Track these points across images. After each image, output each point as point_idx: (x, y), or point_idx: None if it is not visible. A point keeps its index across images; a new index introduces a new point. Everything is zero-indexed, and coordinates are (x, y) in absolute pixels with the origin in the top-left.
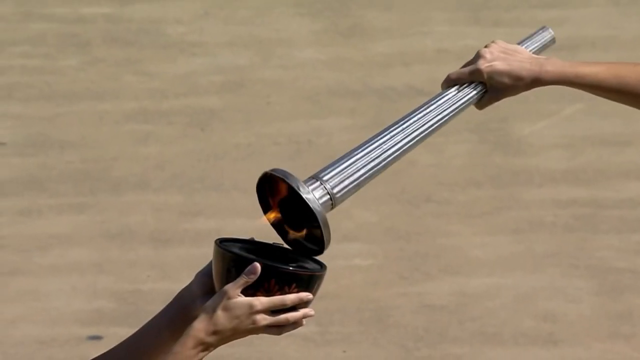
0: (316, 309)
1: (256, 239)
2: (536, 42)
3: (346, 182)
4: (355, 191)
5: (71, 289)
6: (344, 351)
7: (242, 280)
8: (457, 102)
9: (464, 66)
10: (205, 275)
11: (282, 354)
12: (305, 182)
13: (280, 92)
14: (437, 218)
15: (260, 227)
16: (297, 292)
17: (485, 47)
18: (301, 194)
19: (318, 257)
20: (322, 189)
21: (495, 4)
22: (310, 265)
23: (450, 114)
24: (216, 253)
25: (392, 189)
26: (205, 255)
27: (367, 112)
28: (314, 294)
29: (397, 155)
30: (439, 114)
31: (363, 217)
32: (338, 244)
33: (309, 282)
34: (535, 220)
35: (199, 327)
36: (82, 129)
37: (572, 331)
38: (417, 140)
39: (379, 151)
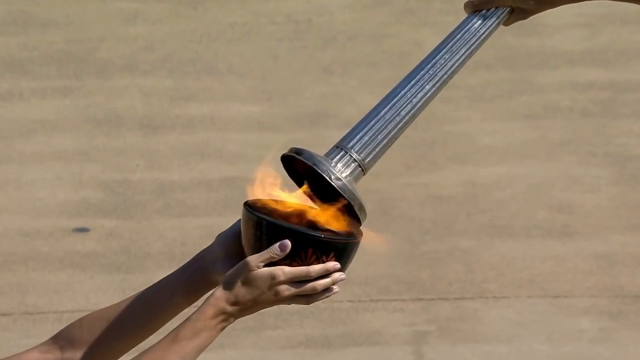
0: None
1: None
2: None
3: (373, 145)
4: (386, 150)
5: (55, 178)
6: None
7: (268, 255)
8: (481, 33)
9: None
10: (228, 237)
11: None
12: (329, 154)
13: None
14: (445, 103)
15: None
16: (334, 260)
17: None
18: (323, 175)
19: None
20: (348, 158)
21: None
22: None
23: (474, 46)
24: (245, 217)
25: (397, 73)
26: (197, 143)
27: None
28: (349, 261)
29: (424, 103)
30: (462, 49)
31: (366, 102)
32: (339, 130)
33: (347, 250)
34: (550, 105)
35: (220, 296)
36: (66, 6)
37: (589, 222)
38: (442, 82)
39: (403, 102)
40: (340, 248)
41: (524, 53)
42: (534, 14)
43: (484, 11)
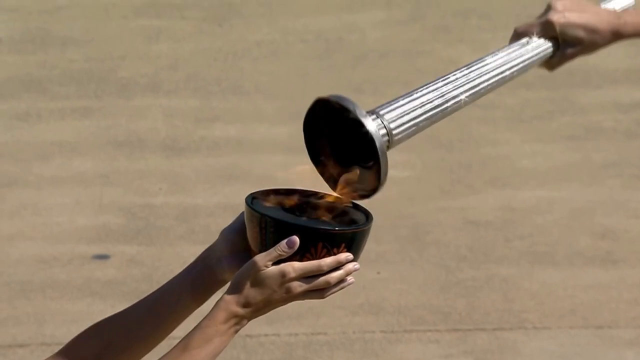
0: None
1: (289, 188)
2: (616, 4)
3: (405, 120)
4: (414, 133)
5: (75, 202)
6: (378, 272)
7: (276, 253)
8: (525, 55)
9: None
10: (232, 232)
11: None
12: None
13: None
14: (483, 124)
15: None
16: (345, 250)
17: None
18: (359, 118)
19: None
20: (379, 123)
21: None
22: (355, 214)
23: (517, 68)
24: (249, 215)
25: None
26: (223, 166)
27: (404, 5)
28: (362, 249)
29: (457, 102)
30: (504, 66)
31: None
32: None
33: (357, 239)
34: (592, 126)
35: (230, 299)
36: (87, 23)
37: (634, 249)
38: (478, 90)
39: (439, 93)
40: (350, 238)
41: (565, 71)
42: (582, 52)
43: (527, 38)
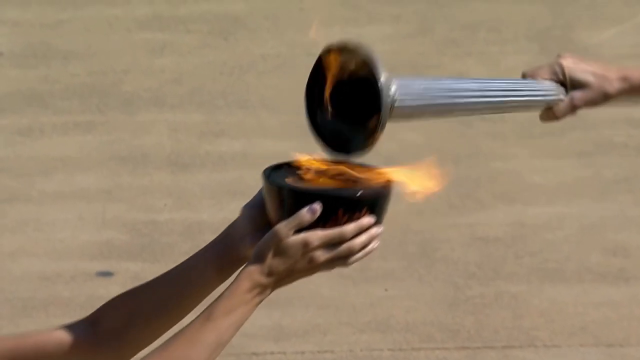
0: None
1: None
2: None
3: (415, 96)
4: (420, 115)
5: (77, 218)
6: (386, 289)
7: (296, 221)
8: (534, 91)
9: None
10: (253, 208)
11: (315, 292)
12: None
13: None
14: (492, 138)
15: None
16: (368, 215)
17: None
18: (374, 64)
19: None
20: (390, 80)
21: None
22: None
23: (524, 98)
24: (267, 188)
25: None
26: (228, 181)
27: (412, 18)
28: (385, 211)
29: (462, 104)
30: (512, 91)
31: (408, 137)
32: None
33: (378, 202)
34: (603, 141)
35: (253, 269)
36: (89, 37)
37: None
38: (484, 103)
39: (464, 89)
40: (372, 202)
41: None
42: (591, 100)
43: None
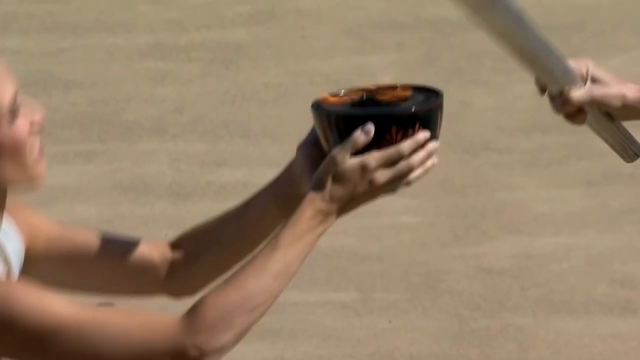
0: (357, 272)
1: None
2: None
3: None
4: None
5: None
6: (390, 321)
7: (351, 144)
8: (563, 61)
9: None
10: (308, 146)
11: (318, 324)
12: None
13: (317, 23)
14: (497, 168)
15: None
16: (422, 130)
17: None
18: None
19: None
20: None
21: None
22: (422, 96)
23: (553, 60)
24: (317, 119)
25: (445, 135)
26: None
27: (416, 47)
28: (439, 125)
29: (528, 28)
30: (552, 50)
31: None
32: (383, 198)
33: (430, 116)
34: (610, 171)
35: (314, 196)
36: (90, 66)
37: None
38: (535, 40)
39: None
40: (424, 116)
41: None
42: (606, 93)
43: None
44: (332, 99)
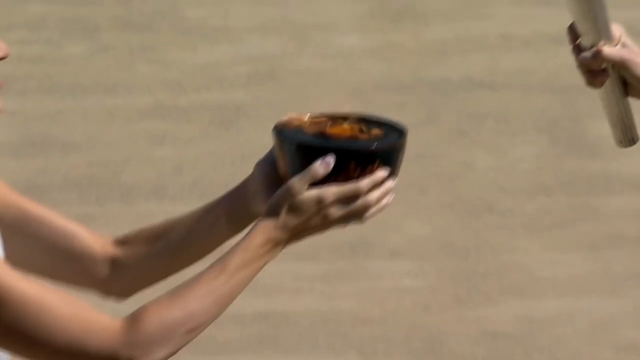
0: (358, 336)
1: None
2: None
3: None
4: None
5: None
6: None
7: (310, 176)
8: (606, 16)
9: None
10: (267, 164)
11: None
12: None
13: (318, 85)
14: (500, 231)
15: None
16: (381, 167)
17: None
18: None
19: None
20: None
21: None
22: (386, 130)
23: (599, 11)
24: (278, 143)
25: (447, 197)
26: None
27: (418, 108)
28: (399, 163)
29: None
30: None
31: (413, 229)
32: (384, 260)
33: (391, 154)
34: (614, 234)
35: (267, 223)
36: (89, 127)
37: None
38: None
39: None
40: (385, 154)
41: (585, 177)
42: (629, 60)
43: None
44: (296, 122)
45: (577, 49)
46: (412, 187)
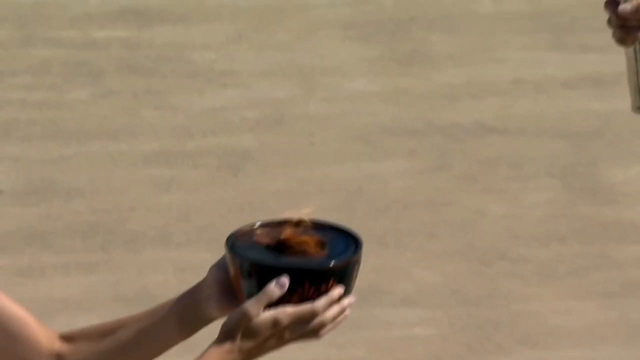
0: None
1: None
2: None
3: None
4: None
5: None
6: None
7: (265, 298)
8: None
9: None
10: (221, 269)
11: None
12: None
13: (327, 130)
14: (512, 279)
15: None
16: (336, 285)
17: None
18: None
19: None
20: None
21: (582, 26)
22: (340, 244)
23: None
24: (230, 258)
25: (458, 245)
26: None
27: (429, 153)
28: (354, 280)
29: None
30: None
31: (424, 277)
32: (395, 309)
33: (346, 271)
34: (630, 282)
35: (221, 347)
36: (93, 173)
37: None
38: None
39: None
40: (339, 272)
41: (600, 224)
42: None
43: None
44: (248, 234)
45: (613, 3)
46: (422, 234)
